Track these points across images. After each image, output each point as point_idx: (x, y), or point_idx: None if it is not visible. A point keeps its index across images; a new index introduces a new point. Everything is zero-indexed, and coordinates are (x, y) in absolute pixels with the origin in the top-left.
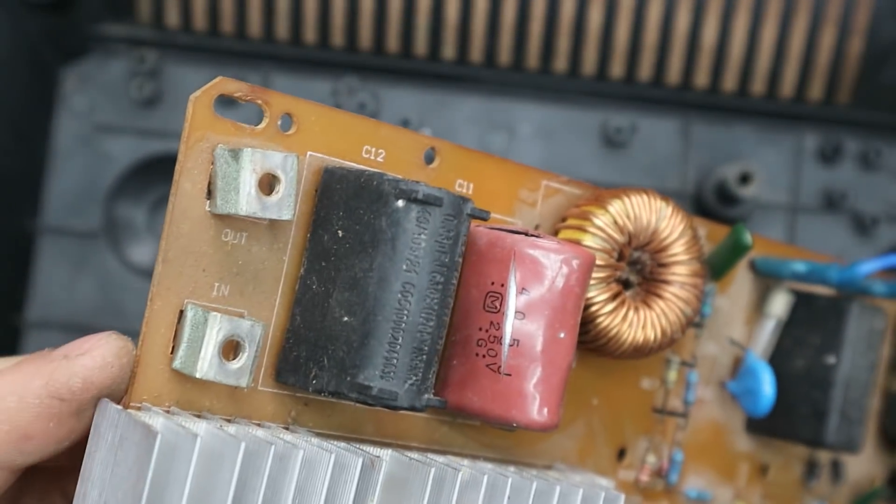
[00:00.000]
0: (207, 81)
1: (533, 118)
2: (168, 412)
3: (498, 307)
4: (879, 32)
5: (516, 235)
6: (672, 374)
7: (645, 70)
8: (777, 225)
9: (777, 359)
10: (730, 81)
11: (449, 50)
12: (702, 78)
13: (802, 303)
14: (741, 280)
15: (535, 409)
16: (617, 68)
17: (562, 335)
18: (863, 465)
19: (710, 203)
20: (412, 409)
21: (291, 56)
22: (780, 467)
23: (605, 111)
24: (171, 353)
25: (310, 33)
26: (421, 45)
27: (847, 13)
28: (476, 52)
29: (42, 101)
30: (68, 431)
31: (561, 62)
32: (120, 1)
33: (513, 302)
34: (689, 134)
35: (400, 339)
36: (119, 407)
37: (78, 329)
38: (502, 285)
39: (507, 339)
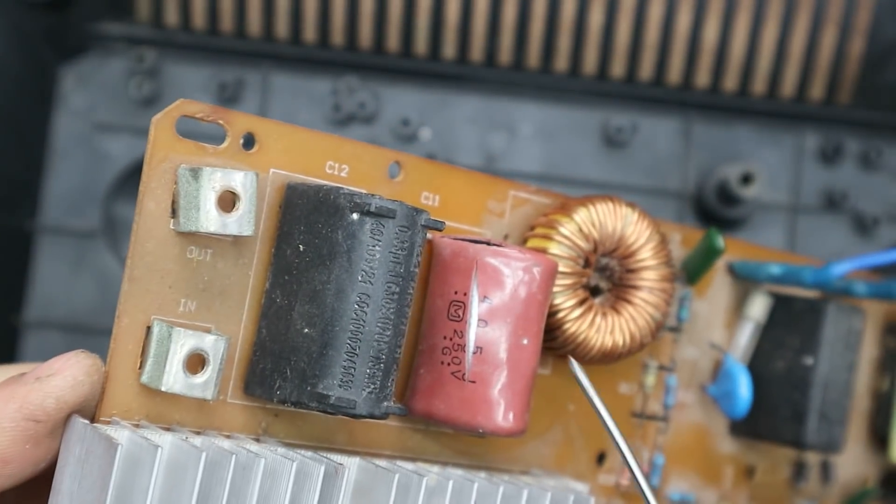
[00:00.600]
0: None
1: (533, 118)
2: (137, 426)
3: (461, 316)
4: (880, 32)
5: (478, 245)
6: (650, 379)
7: (646, 70)
8: (777, 225)
9: (757, 361)
10: (731, 81)
11: (449, 49)
12: (703, 78)
13: (781, 305)
14: (720, 284)
15: (501, 415)
16: (618, 68)
17: (525, 342)
18: (854, 466)
19: (711, 203)
20: (371, 416)
21: (291, 55)
22: (766, 469)
23: (605, 111)
24: (140, 368)
25: (310, 32)
26: (421, 44)
27: (848, 13)
28: (476, 51)
29: (41, 99)
30: (45, 452)
31: (561, 62)
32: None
33: (475, 310)
34: (689, 134)
35: (357, 348)
36: (85, 421)
37: (77, 329)
38: (465, 294)
39: (470, 347)
